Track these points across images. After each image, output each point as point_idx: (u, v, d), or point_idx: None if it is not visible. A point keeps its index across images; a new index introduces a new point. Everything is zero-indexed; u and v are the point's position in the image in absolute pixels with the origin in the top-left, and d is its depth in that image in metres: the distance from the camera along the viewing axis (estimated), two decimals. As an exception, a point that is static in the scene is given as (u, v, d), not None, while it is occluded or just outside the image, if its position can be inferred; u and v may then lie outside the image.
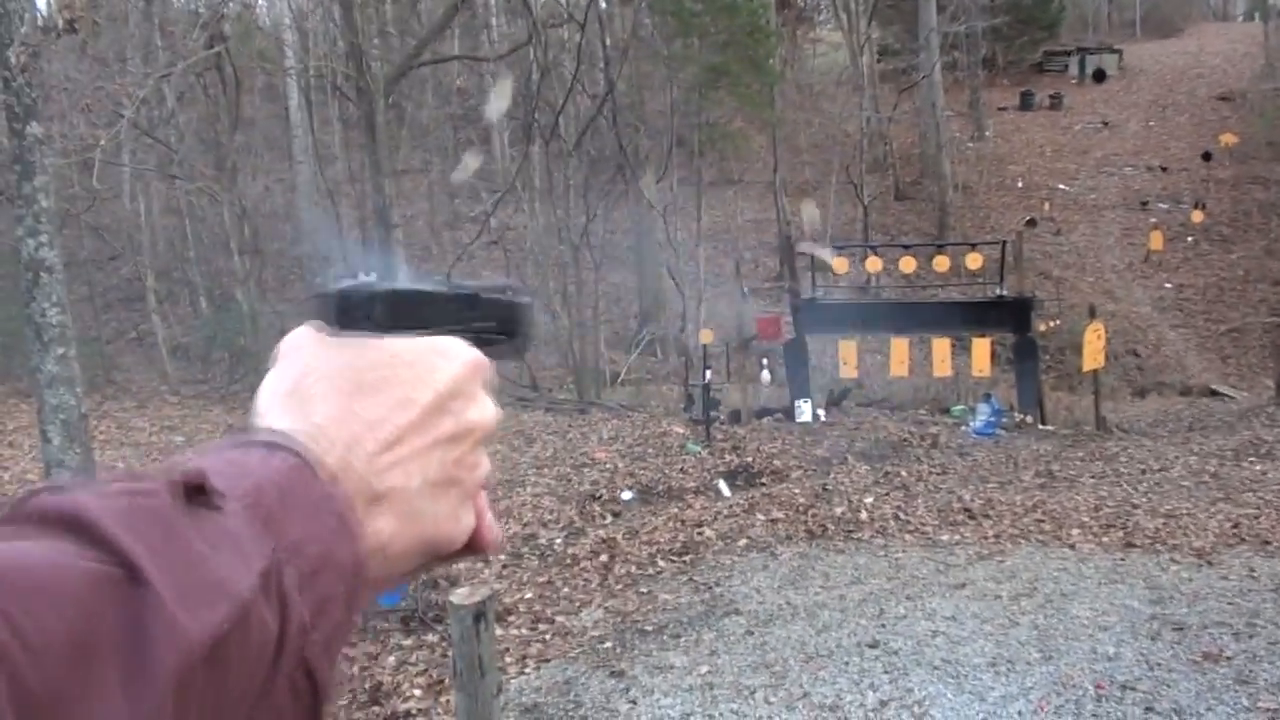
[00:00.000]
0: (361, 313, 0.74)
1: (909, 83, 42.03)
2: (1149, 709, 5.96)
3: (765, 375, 23.74)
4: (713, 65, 30.85)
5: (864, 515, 10.93)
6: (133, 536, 0.53)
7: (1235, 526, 10.13)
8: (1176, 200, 39.53)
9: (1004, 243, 19.20)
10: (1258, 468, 13.05)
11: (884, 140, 41.40)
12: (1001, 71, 54.34)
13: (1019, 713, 5.99)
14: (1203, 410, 20.25)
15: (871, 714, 6.07)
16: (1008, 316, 17.53)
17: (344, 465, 0.67)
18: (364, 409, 0.69)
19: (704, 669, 6.78)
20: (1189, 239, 37.01)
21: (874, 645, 7.16)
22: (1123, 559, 9.25)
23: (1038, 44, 56.16)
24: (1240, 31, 62.23)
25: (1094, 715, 5.92)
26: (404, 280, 0.77)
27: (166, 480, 0.57)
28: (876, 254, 20.53)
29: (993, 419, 16.23)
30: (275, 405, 0.70)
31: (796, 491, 12.13)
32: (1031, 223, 37.36)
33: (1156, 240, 34.68)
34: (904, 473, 13.23)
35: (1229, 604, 7.77)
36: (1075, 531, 10.27)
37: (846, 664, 6.83)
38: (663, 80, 32.11)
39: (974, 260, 18.57)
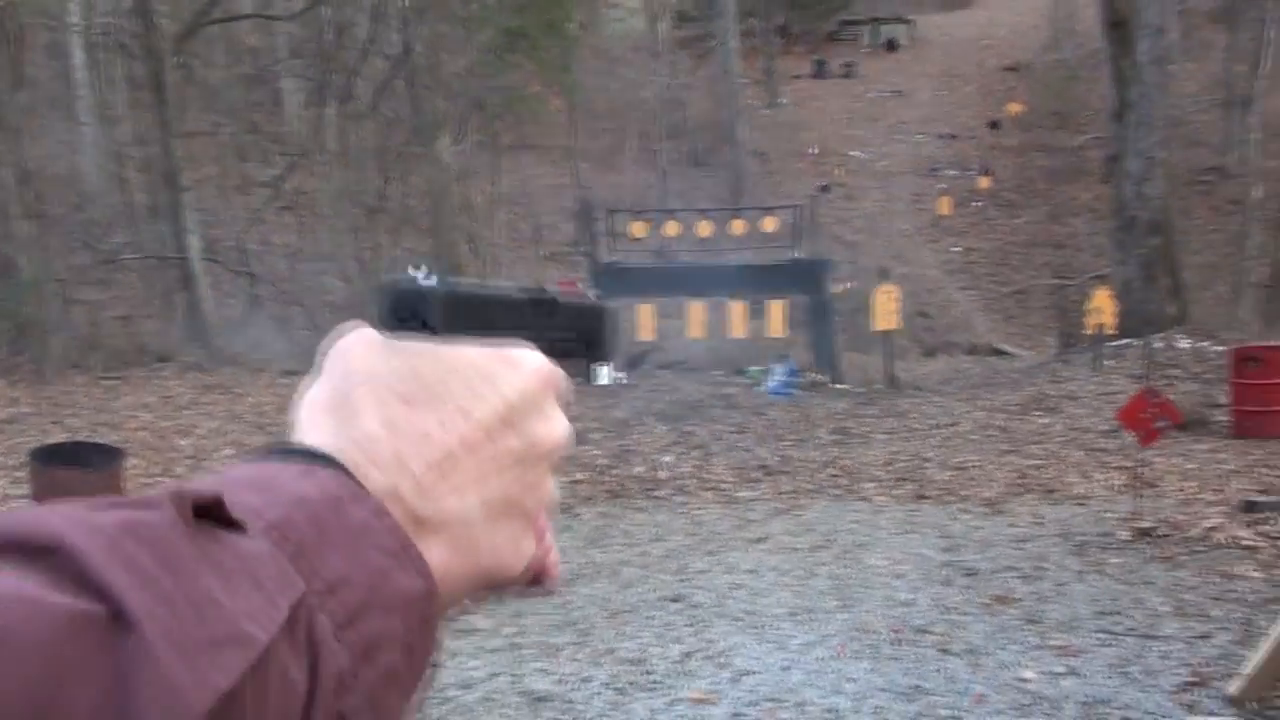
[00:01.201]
0: (418, 314, 0.66)
1: (705, 50, 42.34)
2: (944, 650, 6.06)
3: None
4: (510, 28, 30.62)
5: (663, 474, 10.96)
6: (121, 567, 0.41)
7: (1022, 477, 10.42)
8: (964, 167, 40.69)
9: (798, 207, 19.47)
10: (1042, 421, 13.47)
11: (680, 107, 41.63)
12: (796, 40, 55.14)
13: (818, 659, 6.03)
14: (989, 368, 20.85)
15: (676, 665, 6.05)
16: (802, 279, 17.79)
17: (390, 488, 0.55)
18: (415, 423, 0.58)
19: (509, 630, 6.70)
20: (976, 204, 38.13)
21: (676, 599, 7.16)
22: (915, 510, 9.44)
23: (832, 13, 57.13)
24: (1027, 4, 64.00)
25: (891, 658, 5.99)
26: (470, 280, 0.67)
27: (173, 499, 0.44)
28: (674, 218, 20.66)
29: (788, 379, 16.46)
30: (315, 417, 0.59)
31: (597, 453, 12.12)
32: (825, 188, 38.01)
33: (945, 205, 35.70)
34: (702, 432, 13.32)
35: (1017, 549, 7.97)
36: (869, 485, 10.45)
37: (650, 618, 6.81)
38: (460, 42, 31.77)
39: (769, 224, 18.82)
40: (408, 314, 0.67)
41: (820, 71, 51.08)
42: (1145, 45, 17.86)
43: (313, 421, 0.59)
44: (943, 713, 5.32)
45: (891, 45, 54.65)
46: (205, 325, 21.01)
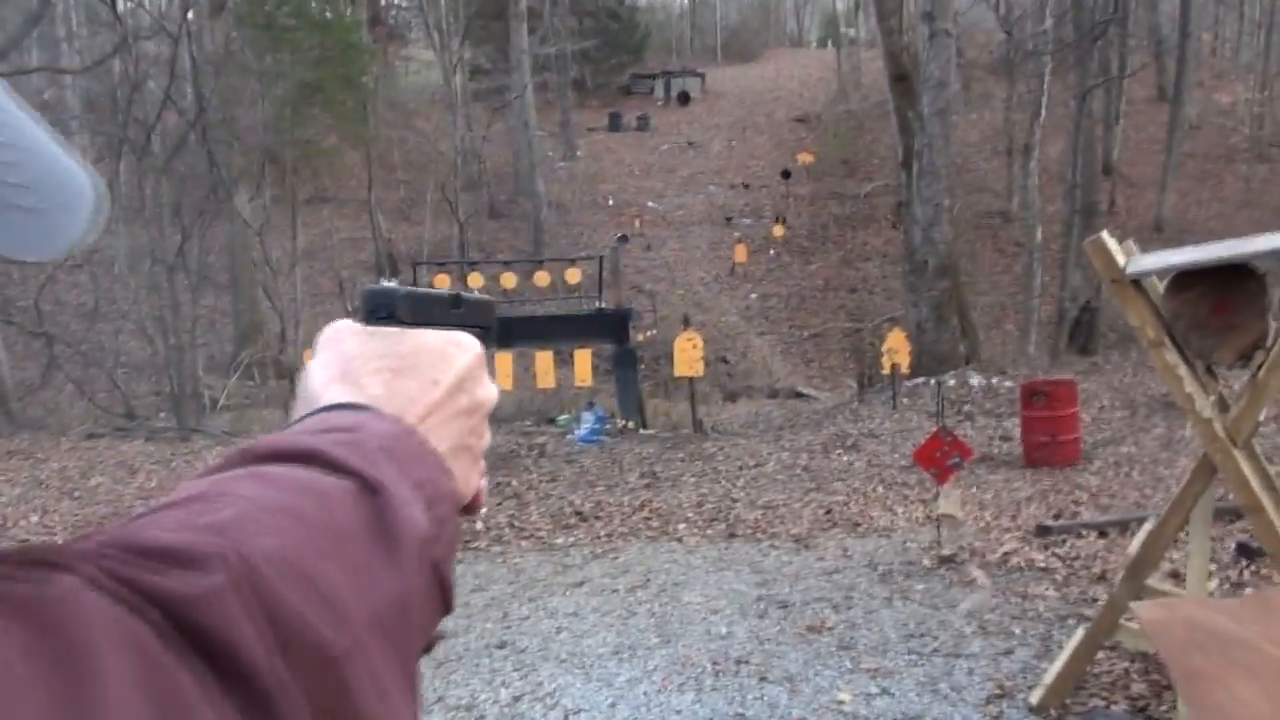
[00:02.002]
0: (388, 311, 0.88)
1: (501, 103, 42.47)
2: (763, 679, 6.27)
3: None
4: (306, 81, 30.47)
5: (479, 525, 11.01)
6: (359, 460, 0.70)
7: (828, 513, 10.75)
8: (759, 215, 41.47)
9: (600, 258, 19.72)
10: (845, 459, 13.87)
11: (478, 159, 41.67)
12: (591, 93, 55.75)
13: (644, 693, 6.19)
14: (791, 410, 21.29)
15: (506, 709, 6.14)
16: (607, 328, 17.98)
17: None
18: (403, 388, 0.84)
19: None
20: (771, 252, 38.88)
21: (502, 646, 7.24)
22: (727, 548, 9.67)
23: (624, 67, 57.99)
24: (814, 58, 65.91)
25: (714, 689, 6.19)
26: (420, 288, 0.91)
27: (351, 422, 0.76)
28: (477, 270, 20.74)
29: (597, 426, 16.62)
30: (332, 386, 0.83)
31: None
32: (624, 239, 38.40)
33: (741, 253, 36.37)
34: (515, 482, 13.40)
35: (827, 581, 8.25)
36: (681, 526, 10.66)
37: (477, 665, 6.88)
38: (255, 96, 31.44)
39: (573, 275, 19.04)
40: (381, 310, 0.88)
41: (615, 125, 51.65)
42: (928, 98, 18.62)
43: (327, 389, 0.82)
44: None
45: (684, 98, 55.55)
46: (2, 389, 20.39)
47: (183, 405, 20.54)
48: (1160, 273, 5.20)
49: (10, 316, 23.78)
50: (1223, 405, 5.36)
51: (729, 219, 41.56)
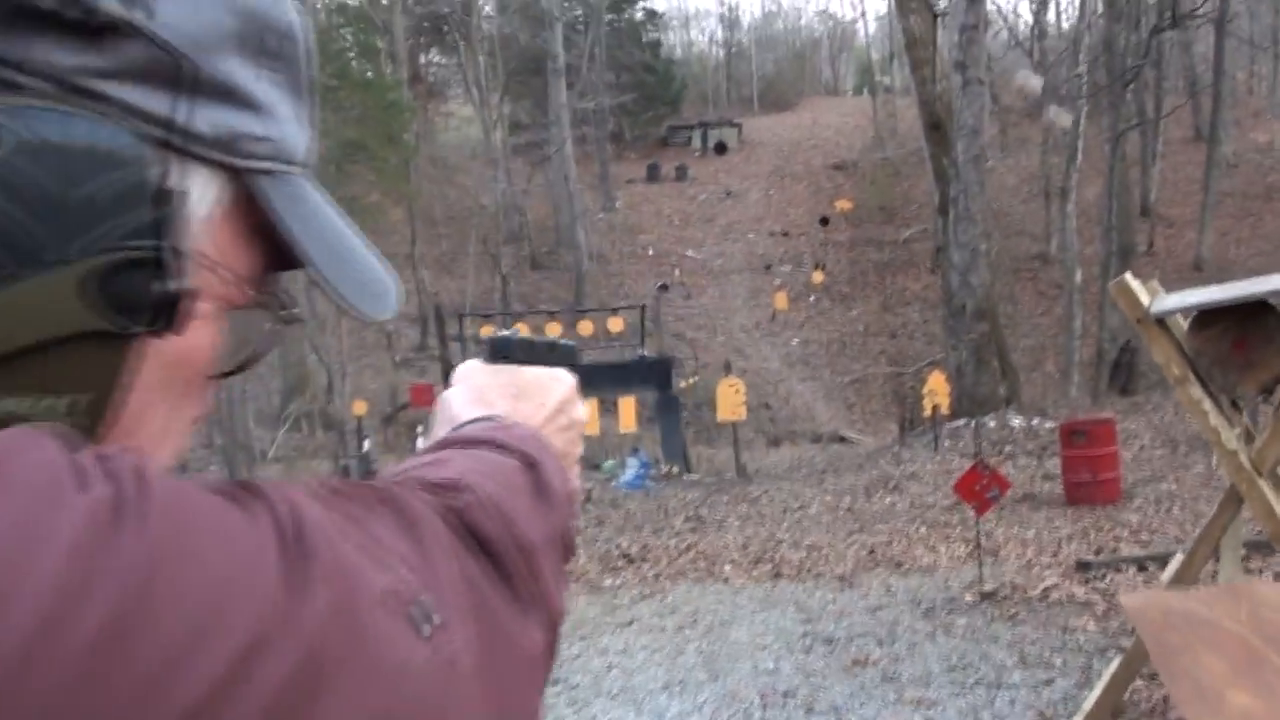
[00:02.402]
0: (505, 353, 1.17)
1: (541, 156, 43.02)
2: (809, 710, 6.50)
3: (420, 443, 23.84)
4: (349, 139, 30.98)
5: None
6: (526, 447, 0.92)
7: (871, 553, 10.94)
8: (798, 263, 41.74)
9: (643, 307, 20.06)
10: (887, 500, 14.07)
11: (519, 212, 42.17)
12: (629, 145, 56.28)
13: (694, 726, 6.45)
14: (833, 455, 21.49)
15: (560, 741, 6.41)
16: (650, 375, 18.04)
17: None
18: (521, 409, 1.08)
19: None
20: (811, 298, 39.16)
21: (555, 683, 7.48)
22: (772, 588, 9.89)
23: (661, 119, 58.50)
24: (851, 105, 66.21)
25: (761, 720, 6.43)
26: (524, 335, 1.22)
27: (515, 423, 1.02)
28: (522, 320, 21.14)
29: (641, 472, 16.88)
30: (468, 406, 1.07)
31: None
32: (664, 288, 38.77)
33: (781, 300, 36.61)
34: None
35: (871, 617, 8.47)
36: (728, 567, 10.88)
37: (530, 701, 7.14)
38: (299, 155, 31.96)
39: (615, 324, 19.36)
40: (501, 352, 1.17)
41: (653, 176, 52.07)
42: (962, 145, 18.91)
43: (465, 409, 1.06)
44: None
45: (721, 148, 55.95)
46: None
47: (234, 456, 20.94)
48: (1182, 311, 5.43)
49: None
50: (1249, 438, 5.57)
51: (768, 266, 41.85)
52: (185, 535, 0.51)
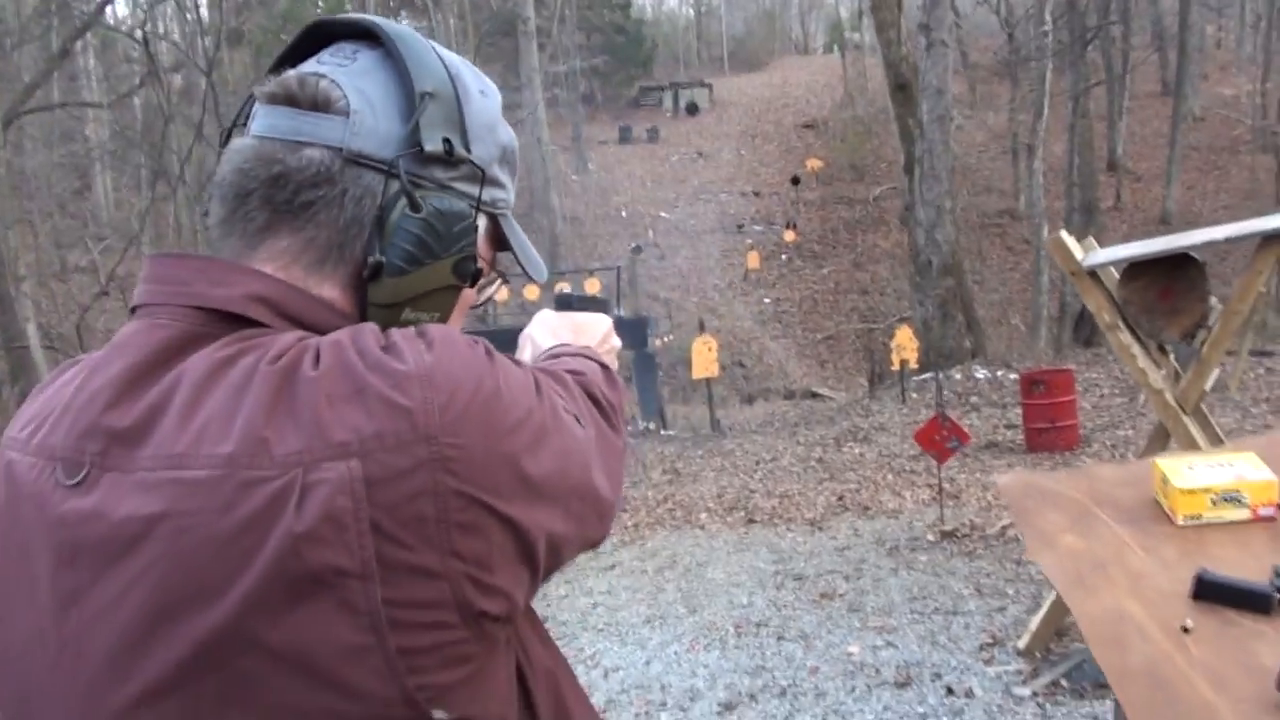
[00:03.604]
0: (566, 304, 1.76)
1: (513, 119, 43.24)
2: (780, 638, 7.04)
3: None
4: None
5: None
6: (599, 358, 1.53)
7: (840, 499, 11.48)
8: (770, 222, 42.18)
9: (618, 269, 20.50)
10: (856, 451, 14.60)
11: (493, 175, 42.43)
12: (601, 108, 56.60)
13: (675, 653, 6.96)
14: (806, 410, 22.00)
15: (549, 670, 6.94)
16: (626, 335, 18.34)
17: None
18: (582, 338, 1.64)
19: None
20: (783, 257, 39.61)
21: (543, 620, 8.01)
22: (746, 533, 10.43)
23: (633, 80, 58.77)
24: (820, 64, 66.46)
25: (736, 647, 6.95)
26: (579, 292, 1.84)
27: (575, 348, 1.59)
28: (506, 282, 21.64)
29: (621, 428, 17.36)
30: (548, 339, 1.63)
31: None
32: (638, 249, 39.14)
33: (754, 260, 37.06)
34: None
35: (839, 556, 9.01)
36: (703, 515, 11.41)
37: (521, 636, 7.69)
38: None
39: (591, 285, 19.81)
40: (564, 303, 1.77)
41: (625, 137, 52.38)
42: (927, 105, 19.38)
43: (547, 340, 1.63)
44: (783, 683, 6.30)
45: (692, 109, 56.29)
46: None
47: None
48: (1112, 264, 5.95)
49: (53, 343, 24.59)
50: (1177, 378, 6.10)
51: (740, 226, 42.24)
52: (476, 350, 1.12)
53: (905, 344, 17.15)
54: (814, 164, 44.09)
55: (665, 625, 7.58)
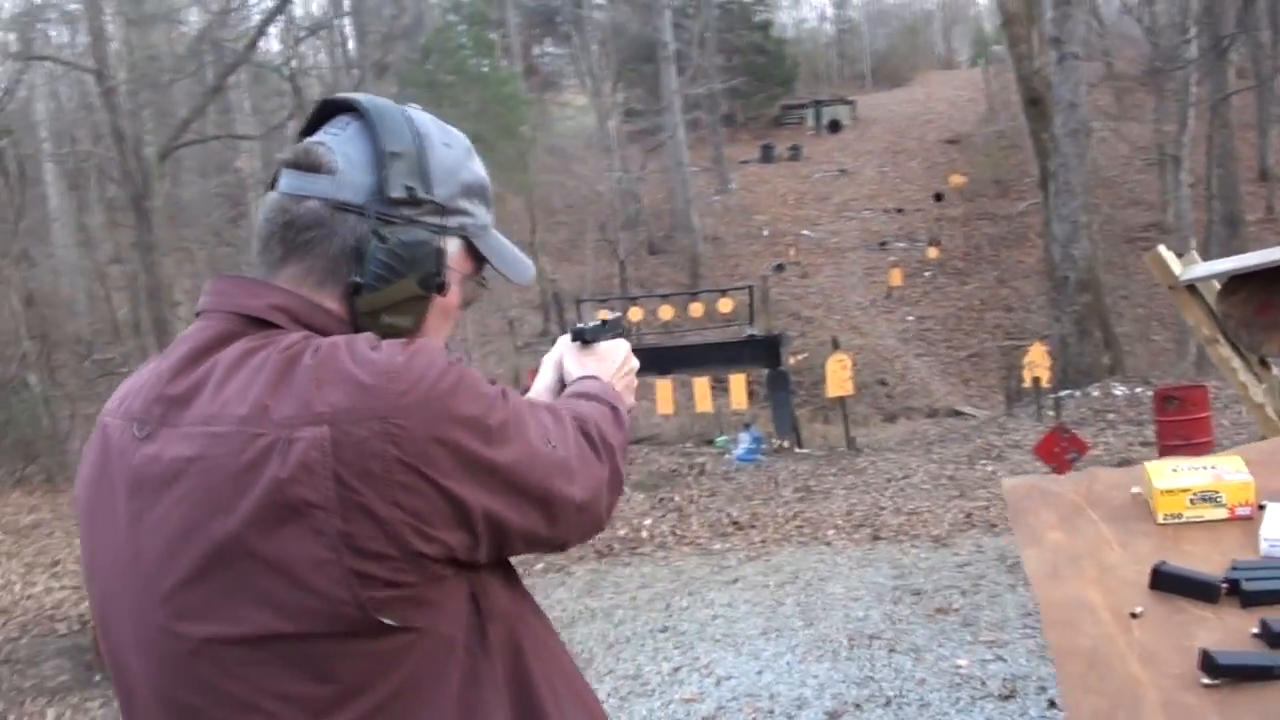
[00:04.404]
0: (581, 337, 2.01)
1: (655, 143, 43.71)
2: (892, 650, 7.16)
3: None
4: (467, 133, 31.88)
5: (644, 534, 12.02)
6: (609, 397, 1.85)
7: (968, 516, 11.50)
8: (913, 239, 41.91)
9: (750, 288, 20.68)
10: (989, 469, 14.56)
11: (635, 198, 42.82)
12: (742, 127, 56.71)
13: (787, 663, 7.13)
14: (946, 428, 21.91)
15: (667, 677, 7.15)
16: (760, 353, 18.94)
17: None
18: (603, 368, 1.96)
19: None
20: (926, 274, 39.35)
21: (664, 630, 8.24)
22: (871, 549, 10.52)
23: (774, 99, 58.74)
24: (963, 78, 65.70)
25: (848, 659, 7.10)
26: (591, 323, 2.06)
27: (595, 385, 1.90)
28: (637, 304, 21.98)
29: (753, 446, 17.49)
30: (576, 366, 1.97)
31: (581, 521, 13.12)
32: (779, 268, 39.27)
33: (896, 277, 36.92)
34: (677, 497, 14.36)
35: (959, 572, 9.07)
36: (830, 532, 11.52)
37: (643, 645, 7.90)
38: (420, 150, 32.90)
39: (725, 305, 20.03)
40: (583, 335, 2.02)
41: (767, 156, 52.42)
42: (1060, 120, 19.26)
43: (574, 370, 1.97)
44: (889, 693, 6.43)
45: (835, 126, 56.16)
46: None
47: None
48: (1210, 279, 6.00)
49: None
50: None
51: (883, 244, 42.06)
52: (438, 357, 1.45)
53: (1038, 361, 17.04)
54: (957, 180, 43.74)
55: (781, 637, 7.75)
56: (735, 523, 12.38)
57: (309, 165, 1.55)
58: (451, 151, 1.63)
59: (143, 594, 1.43)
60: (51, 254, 30.61)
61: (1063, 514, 2.39)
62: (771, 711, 6.40)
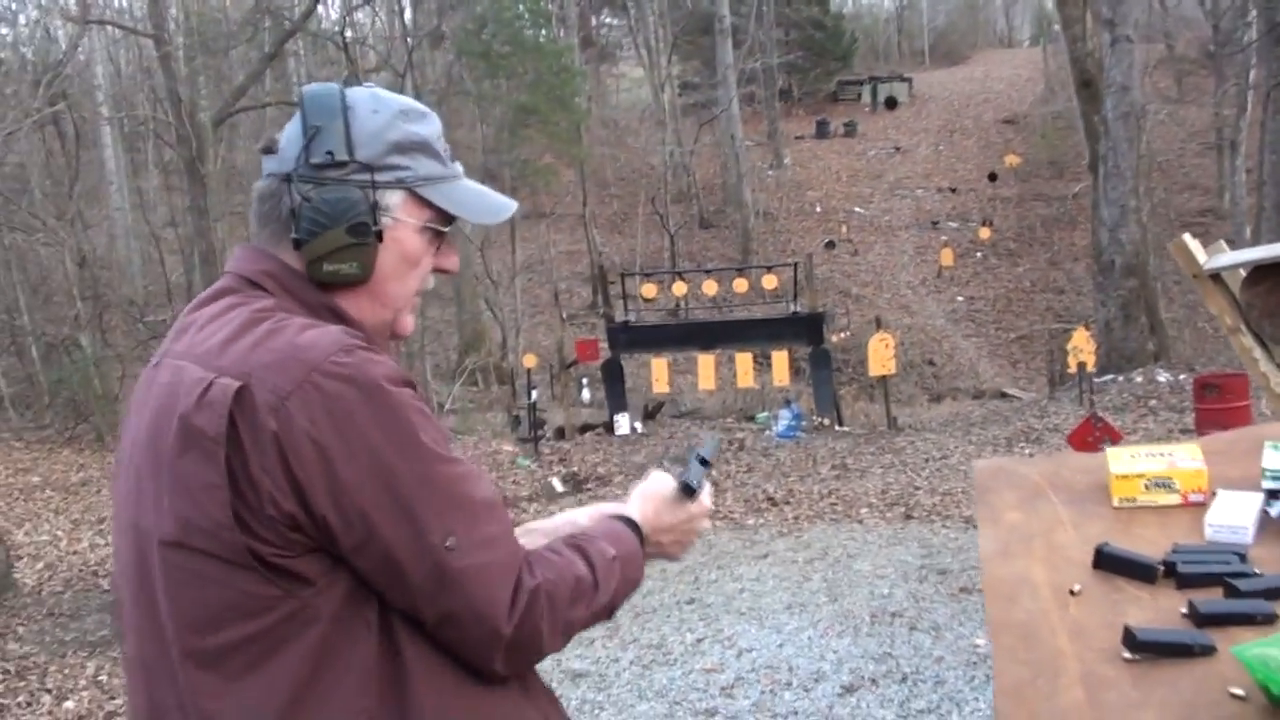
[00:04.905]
0: (692, 487, 1.97)
1: (709, 116, 43.61)
2: (913, 628, 7.26)
3: (585, 394, 24.94)
4: (522, 104, 32.06)
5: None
6: (602, 571, 1.80)
7: (1001, 498, 11.56)
8: (965, 219, 41.74)
9: (795, 264, 20.69)
10: (1027, 451, 14.58)
11: (687, 172, 42.81)
12: (797, 102, 56.52)
13: (808, 638, 7.25)
14: (990, 410, 21.86)
15: (690, 648, 7.28)
16: (803, 330, 18.97)
17: (645, 534, 1.97)
18: (661, 522, 2.00)
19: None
20: (978, 254, 39.20)
21: (691, 601, 8.37)
22: (902, 528, 10.61)
23: (831, 75, 58.44)
24: (1023, 57, 65.16)
25: (869, 635, 7.20)
26: (692, 482, 2.00)
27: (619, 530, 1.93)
28: (682, 279, 22.07)
29: (793, 423, 17.55)
30: (633, 503, 2.00)
31: (619, 494, 13.23)
32: (830, 245, 39.21)
33: (948, 257, 36.77)
34: (714, 472, 14.46)
35: (985, 552, 9.16)
36: (864, 510, 11.61)
37: (669, 615, 8.04)
38: (474, 119, 33.16)
39: (770, 281, 20.05)
40: (689, 489, 1.99)
41: (822, 132, 52.27)
42: (1111, 103, 19.15)
43: (632, 503, 2.01)
44: (906, 669, 6.54)
45: (891, 103, 55.89)
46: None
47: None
48: (1234, 268, 6.03)
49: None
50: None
51: (935, 223, 41.93)
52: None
53: (1082, 345, 16.99)
54: (1012, 160, 43.42)
55: (804, 612, 7.87)
56: (770, 498, 12.49)
57: (266, 149, 1.80)
58: (379, 116, 1.79)
59: (130, 479, 1.70)
60: (108, 216, 31.04)
61: (1024, 495, 2.49)
62: (789, 684, 6.52)
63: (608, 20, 60.43)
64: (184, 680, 1.60)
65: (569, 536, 1.87)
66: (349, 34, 27.27)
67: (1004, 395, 27.58)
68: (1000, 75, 59.78)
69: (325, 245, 1.72)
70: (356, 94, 1.82)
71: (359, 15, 34.62)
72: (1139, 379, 17.88)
